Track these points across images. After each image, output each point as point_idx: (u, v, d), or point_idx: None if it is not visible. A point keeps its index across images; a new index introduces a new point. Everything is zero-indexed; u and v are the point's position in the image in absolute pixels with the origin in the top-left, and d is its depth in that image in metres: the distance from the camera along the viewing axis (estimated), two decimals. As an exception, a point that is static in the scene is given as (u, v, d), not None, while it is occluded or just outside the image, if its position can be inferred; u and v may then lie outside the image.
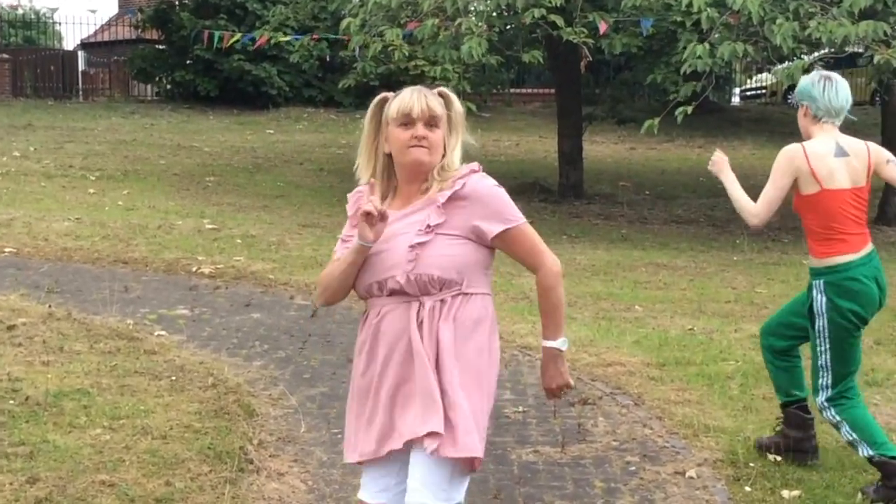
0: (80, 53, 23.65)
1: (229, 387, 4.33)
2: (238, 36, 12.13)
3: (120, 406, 3.94)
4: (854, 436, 3.46)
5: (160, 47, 21.03)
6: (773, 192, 3.45)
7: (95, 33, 27.22)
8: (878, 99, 16.17)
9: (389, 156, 2.26)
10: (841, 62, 11.79)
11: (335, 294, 2.27)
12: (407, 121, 2.17)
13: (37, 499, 3.09)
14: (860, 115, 23.18)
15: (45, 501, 3.09)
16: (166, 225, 8.57)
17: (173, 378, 4.37)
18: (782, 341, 3.74)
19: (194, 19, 18.48)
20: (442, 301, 2.16)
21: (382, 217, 2.16)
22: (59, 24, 27.89)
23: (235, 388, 4.33)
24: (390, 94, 2.28)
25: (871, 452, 3.43)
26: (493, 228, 2.18)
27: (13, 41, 25.00)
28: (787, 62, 9.48)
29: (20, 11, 27.04)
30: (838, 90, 3.45)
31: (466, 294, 2.19)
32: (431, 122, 2.18)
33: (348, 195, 2.39)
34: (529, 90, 23.25)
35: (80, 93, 21.20)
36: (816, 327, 3.50)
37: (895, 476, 3.41)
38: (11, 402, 3.89)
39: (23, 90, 19.96)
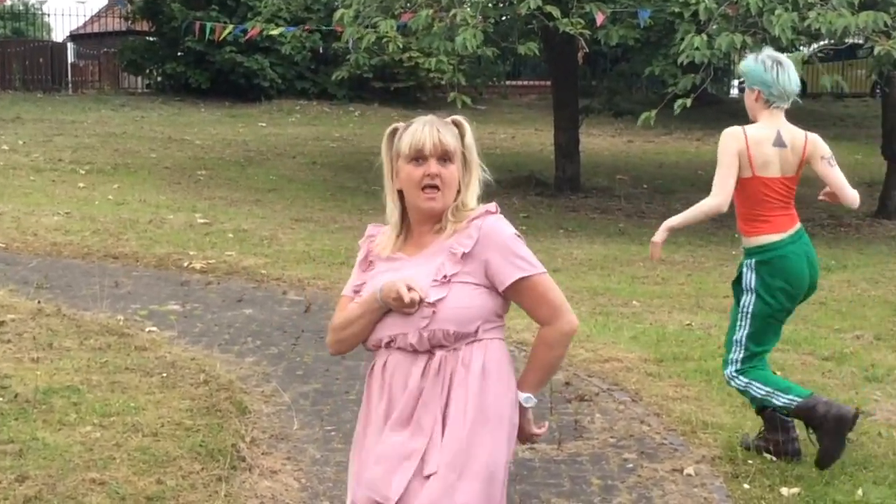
0: (70, 45, 23.56)
1: (221, 383, 4.32)
2: (230, 28, 12.09)
3: (110, 403, 3.92)
4: (765, 389, 3.62)
5: (151, 39, 20.94)
6: (724, 171, 3.52)
7: (85, 25, 27.12)
8: (878, 91, 16.19)
9: (400, 192, 2.12)
10: (840, 53, 11.80)
11: (349, 346, 2.17)
12: (419, 156, 2.04)
13: (26, 497, 3.08)
14: (860, 108, 23.21)
15: (34, 500, 3.08)
16: (157, 219, 8.54)
17: (164, 375, 4.36)
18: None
19: (185, 10, 18.40)
20: (455, 349, 2.04)
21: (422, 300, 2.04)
22: (48, 15, 27.83)
23: (227, 385, 4.32)
24: (401, 125, 2.14)
25: (785, 400, 3.58)
26: (507, 277, 2.04)
27: (1, 33, 24.88)
28: (785, 53, 9.48)
29: (8, 3, 26.92)
30: (790, 74, 3.54)
31: (480, 341, 2.06)
32: (445, 156, 2.05)
33: (360, 241, 2.24)
34: (525, 82, 23.24)
35: (70, 85, 21.13)
36: (742, 303, 3.63)
37: (813, 410, 3.54)
38: (0, 399, 3.87)
39: (11, 83, 19.88)
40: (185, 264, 6.90)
